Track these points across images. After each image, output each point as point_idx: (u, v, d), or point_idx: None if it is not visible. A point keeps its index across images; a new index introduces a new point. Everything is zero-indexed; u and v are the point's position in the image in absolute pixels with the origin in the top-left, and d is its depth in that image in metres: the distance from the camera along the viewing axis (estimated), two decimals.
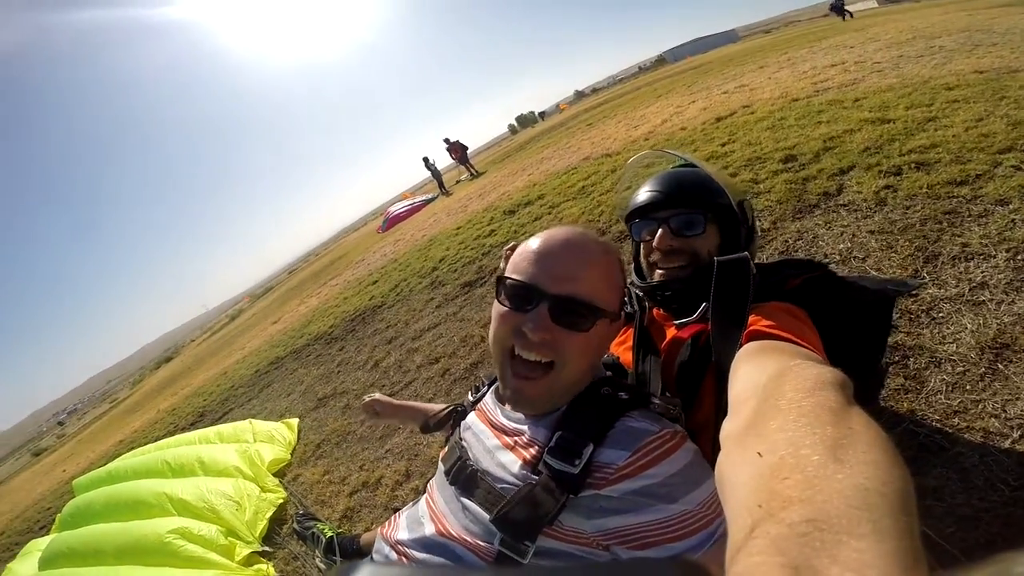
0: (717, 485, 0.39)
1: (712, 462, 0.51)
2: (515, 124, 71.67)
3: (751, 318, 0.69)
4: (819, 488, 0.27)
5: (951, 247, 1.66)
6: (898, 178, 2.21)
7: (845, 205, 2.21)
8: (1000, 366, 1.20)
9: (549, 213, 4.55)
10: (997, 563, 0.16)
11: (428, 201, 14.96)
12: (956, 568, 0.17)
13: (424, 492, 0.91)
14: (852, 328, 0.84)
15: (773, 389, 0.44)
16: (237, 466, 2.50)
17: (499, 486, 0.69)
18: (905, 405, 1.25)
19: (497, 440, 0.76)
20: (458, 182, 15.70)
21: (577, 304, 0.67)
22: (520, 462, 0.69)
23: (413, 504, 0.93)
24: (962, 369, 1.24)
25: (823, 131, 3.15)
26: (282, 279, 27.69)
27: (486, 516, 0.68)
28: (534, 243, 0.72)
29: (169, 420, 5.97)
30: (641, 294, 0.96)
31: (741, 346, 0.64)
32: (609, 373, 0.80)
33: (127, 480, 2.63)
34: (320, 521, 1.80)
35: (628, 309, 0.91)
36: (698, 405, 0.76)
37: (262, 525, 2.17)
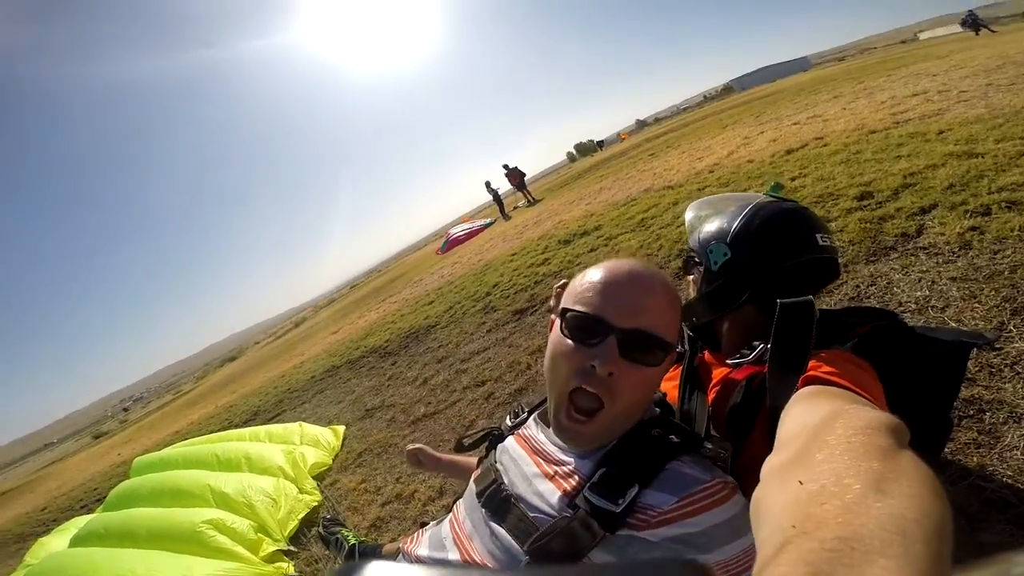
0: (751, 514, 0.38)
1: None
2: (574, 152, 71.74)
3: (810, 364, 0.66)
4: (856, 513, 0.27)
5: None
6: (986, 219, 2.04)
7: (925, 248, 2.06)
8: None
9: (605, 244, 4.55)
10: (997, 563, 0.16)
11: (487, 225, 15.34)
12: (956, 568, 0.17)
13: (450, 511, 0.91)
14: (920, 378, 0.80)
15: (823, 428, 0.43)
16: (281, 466, 2.65)
17: (532, 515, 0.68)
18: (975, 460, 1.17)
19: (536, 468, 0.75)
20: (515, 208, 16.01)
21: (646, 338, 0.66)
22: (559, 493, 0.68)
23: (438, 523, 0.94)
24: None
25: (903, 166, 2.96)
26: (344, 292, 29.18)
27: (514, 543, 0.67)
28: (597, 274, 0.70)
29: (224, 416, 6.38)
30: (692, 333, 0.96)
31: (796, 391, 0.63)
32: (659, 410, 0.79)
33: (177, 468, 2.82)
34: (345, 527, 1.86)
35: (680, 348, 0.89)
36: (747, 447, 0.75)
37: (293, 525, 2.27)
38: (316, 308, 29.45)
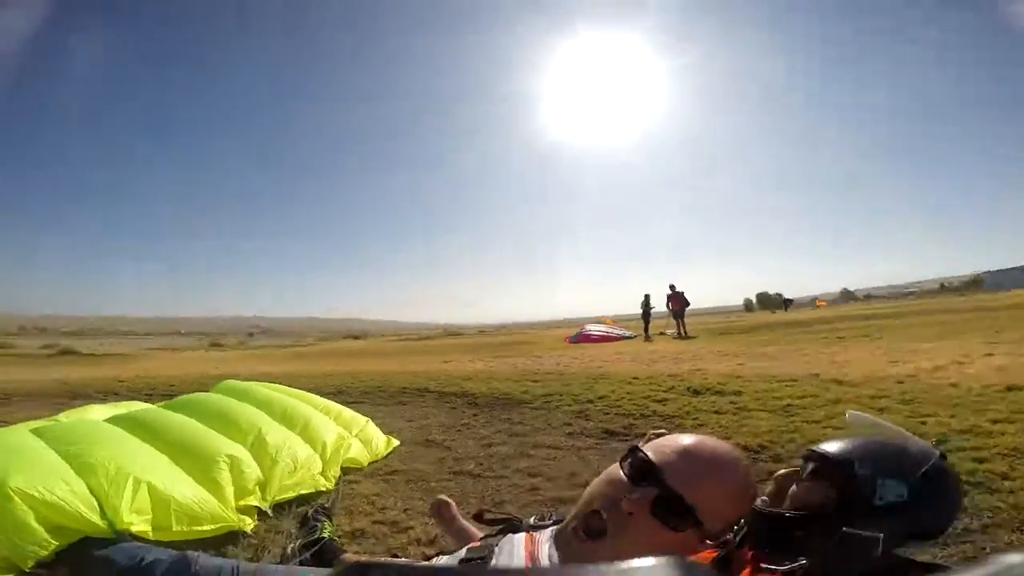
0: None
1: None
2: (753, 301, 65.15)
3: None
4: None
5: None
6: None
7: None
8: None
9: (735, 414, 4.04)
10: (996, 563, 0.17)
11: (624, 337, 14.97)
12: (957, 568, 0.16)
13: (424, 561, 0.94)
14: None
15: None
16: (325, 443, 2.80)
17: None
18: None
19: (523, 567, 0.76)
20: (662, 333, 15.30)
21: (684, 508, 0.69)
22: None
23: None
24: None
25: None
26: (472, 333, 30.85)
27: None
28: (686, 439, 0.76)
29: (317, 380, 6.80)
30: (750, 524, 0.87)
31: None
32: None
33: (250, 403, 3.06)
34: (330, 523, 1.86)
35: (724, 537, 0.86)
36: None
37: (290, 495, 2.34)
38: (443, 332, 31.63)
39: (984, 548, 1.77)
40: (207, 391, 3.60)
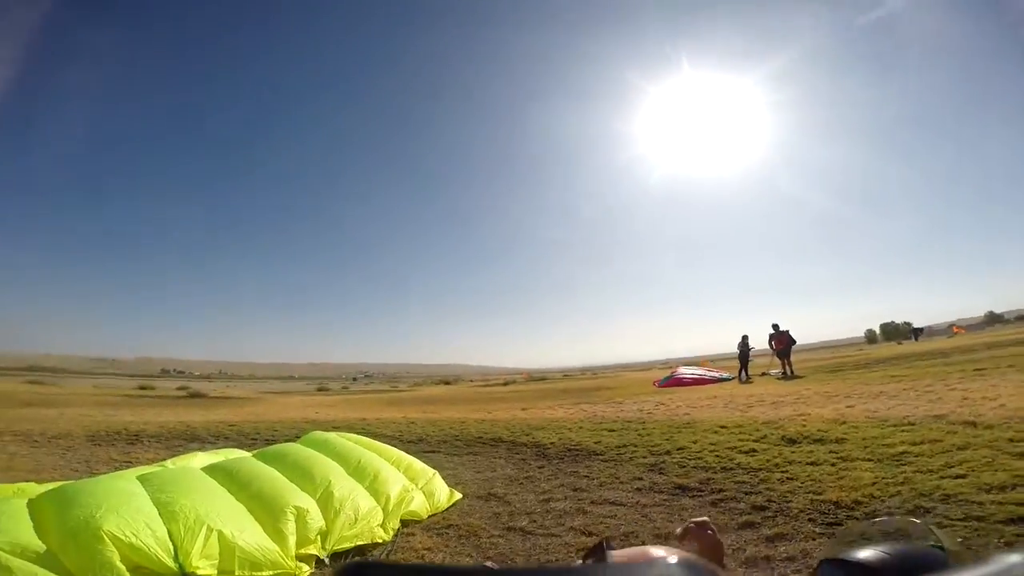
0: None
1: None
2: (876, 331, 57.17)
3: None
4: None
5: None
6: None
7: None
8: None
9: (833, 464, 3.54)
10: (996, 563, 0.16)
11: (721, 380, 13.83)
12: (955, 569, 0.18)
13: None
14: None
15: None
16: (389, 496, 2.93)
17: None
18: None
19: None
20: (764, 374, 13.91)
21: None
22: None
23: None
24: None
25: None
26: (556, 378, 30.26)
27: None
28: (650, 548, 0.72)
29: (401, 427, 7.14)
30: None
31: None
32: None
33: (327, 455, 3.30)
34: None
35: None
36: None
37: (347, 545, 2.47)
38: (529, 377, 31.44)
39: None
40: (300, 437, 4.02)
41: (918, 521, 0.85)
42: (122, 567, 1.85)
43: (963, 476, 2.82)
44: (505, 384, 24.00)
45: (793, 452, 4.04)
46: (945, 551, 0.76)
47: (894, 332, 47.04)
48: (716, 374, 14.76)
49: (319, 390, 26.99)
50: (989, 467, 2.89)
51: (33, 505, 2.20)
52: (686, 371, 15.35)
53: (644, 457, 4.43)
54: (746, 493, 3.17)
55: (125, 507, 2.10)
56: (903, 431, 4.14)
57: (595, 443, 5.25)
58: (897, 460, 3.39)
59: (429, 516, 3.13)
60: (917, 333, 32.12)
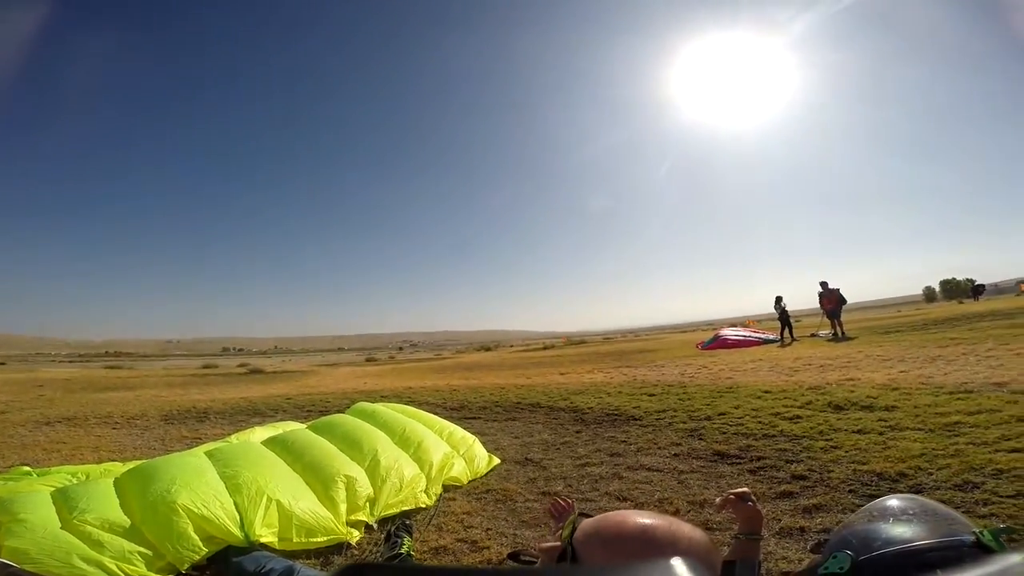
0: None
1: None
2: (935, 289, 53.31)
3: None
4: None
5: None
6: None
7: None
8: None
9: (880, 434, 3.46)
10: (996, 563, 0.20)
11: (766, 341, 13.47)
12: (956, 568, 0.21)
13: None
14: None
15: None
16: (432, 463, 3.10)
17: None
18: None
19: None
20: (813, 335, 13.41)
21: (572, 556, 0.77)
22: None
23: None
24: None
25: None
26: (595, 341, 30.26)
27: None
28: (626, 512, 0.80)
29: (444, 395, 7.37)
30: None
31: None
32: None
33: (374, 424, 3.51)
34: (411, 538, 2.08)
35: None
36: None
37: (394, 511, 2.64)
38: (568, 341, 31.63)
39: None
40: (349, 408, 4.30)
41: (944, 507, 0.84)
42: (196, 537, 2.08)
43: (1020, 450, 2.71)
44: (545, 348, 24.19)
45: (839, 419, 3.97)
46: (974, 540, 0.77)
47: (955, 290, 43.42)
48: (762, 335, 14.35)
49: (368, 360, 27.98)
50: None
51: (118, 483, 2.48)
52: (730, 332, 15.00)
53: (684, 422, 4.46)
54: (787, 461, 3.16)
55: (196, 481, 2.34)
56: (959, 399, 3.96)
57: (634, 408, 5.33)
58: (950, 430, 3.27)
59: (469, 481, 3.30)
60: (978, 291, 29.49)
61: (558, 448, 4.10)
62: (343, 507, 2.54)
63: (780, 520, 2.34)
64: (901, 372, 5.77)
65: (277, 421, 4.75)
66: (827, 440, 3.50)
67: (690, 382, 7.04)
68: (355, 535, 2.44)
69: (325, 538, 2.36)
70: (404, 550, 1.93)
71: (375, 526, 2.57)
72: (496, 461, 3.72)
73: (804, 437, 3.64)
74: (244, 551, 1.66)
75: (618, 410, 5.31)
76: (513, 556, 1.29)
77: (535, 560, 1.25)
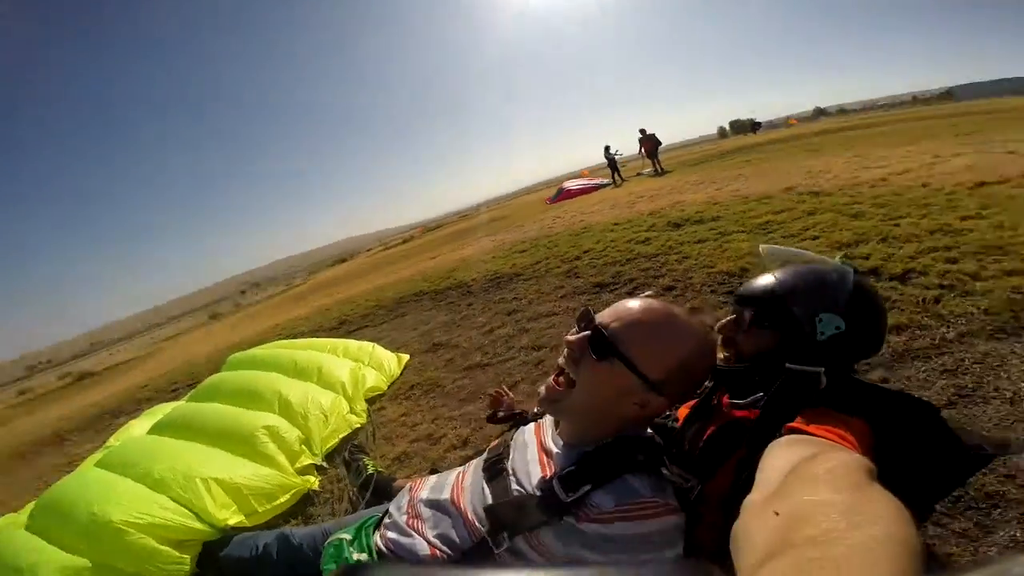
0: (731, 547, 0.41)
1: (711, 530, 0.71)
2: (727, 128, 64.78)
3: (798, 418, 0.73)
4: (832, 538, 0.29)
5: None
6: None
7: None
8: None
9: (716, 239, 4.16)
10: (996, 563, 0.17)
11: (601, 186, 14.87)
12: (957, 569, 0.17)
13: (463, 465, 1.06)
14: (922, 468, 0.80)
15: (801, 468, 0.46)
16: (344, 383, 2.86)
17: (515, 487, 0.83)
18: (955, 549, 1.16)
19: (537, 456, 0.88)
20: (638, 174, 15.19)
21: (606, 342, 0.78)
22: (540, 476, 0.82)
23: (442, 474, 1.06)
24: None
25: None
26: (454, 220, 30.43)
27: (491, 503, 0.83)
28: (630, 301, 0.84)
29: (317, 319, 6.94)
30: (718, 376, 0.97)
31: (778, 437, 0.67)
32: (651, 432, 0.89)
33: (262, 369, 3.08)
34: (368, 456, 2.00)
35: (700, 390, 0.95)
36: (714, 479, 0.81)
37: (333, 442, 2.45)
38: (425, 229, 31.24)
39: (962, 359, 1.77)
40: (224, 364, 3.58)
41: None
42: (166, 548, 1.71)
43: (817, 236, 3.47)
44: (404, 242, 23.58)
45: (680, 235, 4.65)
46: (854, 269, 0.95)
47: (741, 127, 53.44)
48: (598, 182, 15.78)
49: (212, 318, 25.11)
50: (835, 227, 3.55)
51: (34, 529, 1.88)
52: (571, 184, 16.15)
53: (558, 267, 4.81)
54: (654, 277, 3.66)
55: (112, 495, 1.85)
56: (763, 204, 4.88)
57: (511, 267, 5.55)
58: (764, 228, 4.07)
59: (389, 386, 3.21)
60: (756, 127, 35.78)
61: (459, 324, 4.15)
62: (282, 459, 2.26)
63: None
64: (716, 190, 6.88)
65: (145, 411, 3.84)
66: (677, 254, 4.09)
67: (551, 232, 7.53)
68: (312, 480, 2.24)
69: (287, 495, 2.12)
70: (371, 470, 1.81)
71: (325, 464, 2.36)
72: (405, 358, 3.63)
73: (659, 255, 4.20)
74: (223, 542, 1.37)
75: (498, 273, 5.49)
76: (491, 419, 1.32)
77: (517, 412, 1.28)
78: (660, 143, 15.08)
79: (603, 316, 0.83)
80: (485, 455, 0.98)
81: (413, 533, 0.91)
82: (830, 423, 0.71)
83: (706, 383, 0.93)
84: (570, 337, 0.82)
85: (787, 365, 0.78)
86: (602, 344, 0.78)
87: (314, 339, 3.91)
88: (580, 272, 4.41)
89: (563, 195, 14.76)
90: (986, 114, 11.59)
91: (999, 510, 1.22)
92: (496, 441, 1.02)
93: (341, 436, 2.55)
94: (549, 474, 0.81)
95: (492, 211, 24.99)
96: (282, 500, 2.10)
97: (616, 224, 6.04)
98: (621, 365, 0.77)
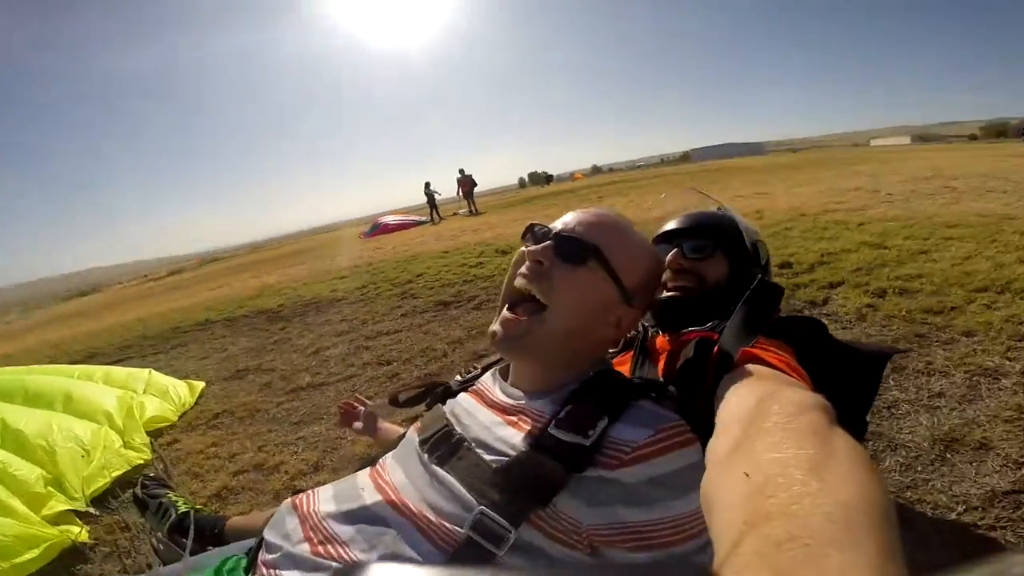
0: (703, 505, 0.39)
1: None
2: (525, 179, 74.32)
3: (759, 345, 0.71)
4: (803, 504, 0.29)
5: (917, 363, 1.78)
6: (881, 299, 2.35)
7: (828, 315, 2.32)
8: (948, 455, 1.36)
9: None
10: (996, 563, 0.16)
11: (419, 223, 14.95)
12: (955, 569, 0.16)
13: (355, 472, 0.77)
14: (844, 383, 0.88)
15: (759, 412, 0.44)
16: (109, 412, 2.18)
17: (491, 458, 0.60)
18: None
19: (496, 417, 0.67)
20: (455, 214, 15.78)
21: (581, 242, 0.65)
22: (522, 434, 0.60)
23: (341, 481, 0.76)
24: (915, 454, 1.38)
25: (823, 246, 3.30)
26: (242, 253, 26.54)
27: (464, 491, 0.58)
28: (580, 209, 0.73)
29: (48, 354, 5.27)
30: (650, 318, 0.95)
31: (736, 367, 0.64)
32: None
33: None
34: (173, 491, 1.40)
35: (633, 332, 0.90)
36: (699, 399, 0.74)
37: (103, 482, 1.87)
38: (202, 261, 26.37)
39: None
40: None
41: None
42: None
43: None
44: (172, 275, 19.28)
45: (511, 258, 4.92)
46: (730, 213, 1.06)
47: (537, 179, 62.52)
48: (415, 219, 15.82)
49: None
50: None
51: None
52: (389, 219, 15.86)
53: (390, 290, 4.47)
54: (496, 295, 3.74)
55: None
56: None
57: (332, 292, 4.97)
58: None
59: (180, 417, 2.50)
60: (549, 179, 42.78)
61: (271, 349, 3.46)
62: (16, 503, 1.61)
63: None
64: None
65: None
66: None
67: (374, 260, 7.13)
68: (75, 530, 1.62)
69: (35, 551, 1.53)
70: (184, 508, 1.21)
71: (93, 510, 1.73)
72: (200, 384, 2.87)
73: (495, 276, 4.27)
74: None
75: (316, 298, 4.86)
76: (394, 401, 0.97)
77: (429, 385, 0.95)
78: (476, 184, 16.08)
79: (559, 223, 0.70)
80: (415, 438, 0.71)
81: (331, 563, 0.60)
82: (776, 348, 0.72)
83: (643, 321, 0.89)
84: (532, 247, 0.66)
85: (761, 277, 0.73)
86: (578, 245, 0.65)
87: (53, 366, 3.01)
88: (417, 293, 4.19)
89: (380, 229, 14.31)
90: (716, 171, 15.83)
91: (872, 442, 1.45)
92: (418, 424, 0.76)
93: (114, 475, 1.92)
94: (534, 428, 0.61)
95: (291, 244, 22.64)
96: (29, 557, 1.51)
97: (446, 252, 6.02)
98: (601, 270, 0.65)
